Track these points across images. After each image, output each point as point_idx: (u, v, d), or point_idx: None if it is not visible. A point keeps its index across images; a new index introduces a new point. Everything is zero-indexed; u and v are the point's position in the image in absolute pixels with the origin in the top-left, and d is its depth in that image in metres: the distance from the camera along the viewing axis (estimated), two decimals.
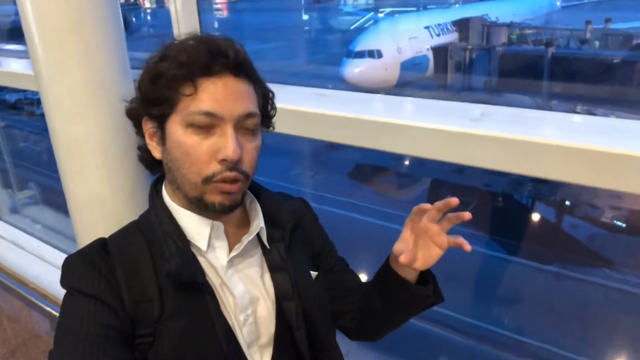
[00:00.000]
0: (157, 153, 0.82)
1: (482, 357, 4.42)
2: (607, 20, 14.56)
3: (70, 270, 0.79)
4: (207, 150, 0.75)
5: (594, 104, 10.65)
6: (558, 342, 5.04)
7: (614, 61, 11.39)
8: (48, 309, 2.17)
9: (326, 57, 18.97)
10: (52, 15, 1.00)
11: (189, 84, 0.75)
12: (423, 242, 0.81)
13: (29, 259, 2.59)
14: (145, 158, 0.87)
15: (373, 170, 10.37)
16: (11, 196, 3.35)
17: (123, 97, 0.92)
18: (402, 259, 0.77)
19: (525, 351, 5.02)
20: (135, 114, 0.83)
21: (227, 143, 0.75)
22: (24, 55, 2.20)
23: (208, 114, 0.75)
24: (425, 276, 0.89)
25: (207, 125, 0.75)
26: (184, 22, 1.52)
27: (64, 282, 0.79)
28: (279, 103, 0.92)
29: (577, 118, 1.11)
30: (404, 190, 9.84)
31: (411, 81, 13.35)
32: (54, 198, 3.55)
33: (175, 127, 0.77)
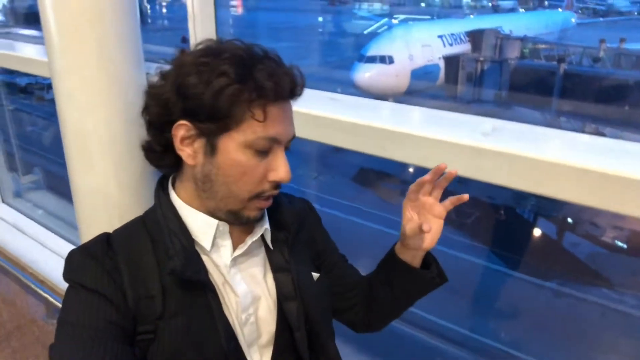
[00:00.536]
0: (191, 160, 0.78)
1: None
2: (622, 40, 14.49)
3: (74, 265, 0.79)
4: (262, 171, 0.77)
5: (603, 124, 10.59)
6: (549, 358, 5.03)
7: (627, 82, 11.32)
8: (45, 294, 2.16)
9: (338, 61, 18.94)
10: (70, 4, 1.00)
11: (260, 109, 0.74)
12: (423, 217, 0.86)
13: (28, 244, 2.58)
14: (164, 159, 0.83)
15: (377, 175, 10.35)
16: (16, 180, 3.36)
17: (135, 90, 0.92)
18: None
19: None
20: (164, 120, 0.78)
21: (281, 166, 0.78)
22: (35, 40, 2.21)
23: (272, 139, 0.76)
24: (427, 260, 0.93)
25: (267, 148, 0.76)
26: (200, 17, 1.52)
27: (66, 276, 0.78)
28: None
29: (586, 138, 1.10)
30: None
31: (421, 89, 13.30)
32: (58, 184, 3.56)
33: (234, 146, 0.75)
